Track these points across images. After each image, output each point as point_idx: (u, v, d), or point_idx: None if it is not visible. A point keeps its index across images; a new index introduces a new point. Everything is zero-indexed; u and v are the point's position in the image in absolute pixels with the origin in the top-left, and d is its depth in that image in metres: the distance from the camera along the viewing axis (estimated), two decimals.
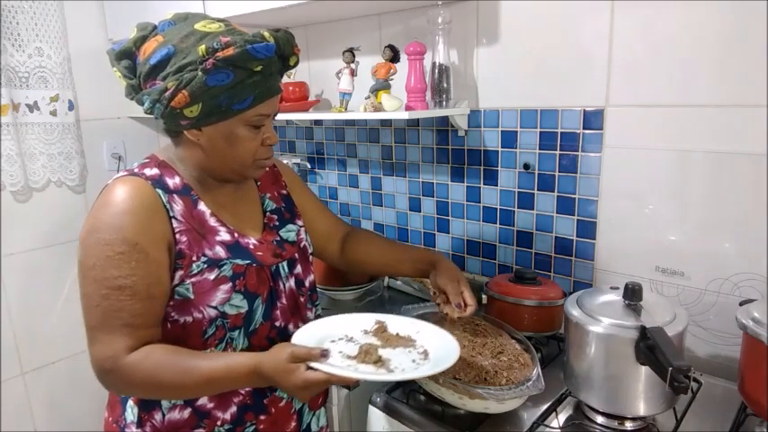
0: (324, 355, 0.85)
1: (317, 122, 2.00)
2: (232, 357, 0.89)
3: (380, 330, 1.01)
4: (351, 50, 1.51)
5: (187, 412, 0.97)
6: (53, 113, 1.92)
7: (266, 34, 0.89)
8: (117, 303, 0.87)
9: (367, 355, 0.90)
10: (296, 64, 0.98)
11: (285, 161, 1.97)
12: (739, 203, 1.15)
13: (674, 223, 1.24)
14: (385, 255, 1.23)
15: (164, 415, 0.98)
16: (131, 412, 1.00)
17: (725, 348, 1.21)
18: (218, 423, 0.98)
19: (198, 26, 0.90)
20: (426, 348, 0.96)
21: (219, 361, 0.88)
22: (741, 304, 1.03)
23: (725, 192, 1.16)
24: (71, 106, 1.96)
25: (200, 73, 0.85)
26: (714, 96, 1.14)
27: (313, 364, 0.83)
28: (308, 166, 2.05)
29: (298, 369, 0.83)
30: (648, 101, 1.23)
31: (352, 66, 1.52)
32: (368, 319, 1.04)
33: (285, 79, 1.77)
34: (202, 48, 0.85)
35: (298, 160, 2.03)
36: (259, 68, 0.88)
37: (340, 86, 1.53)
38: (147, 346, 0.89)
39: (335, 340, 0.98)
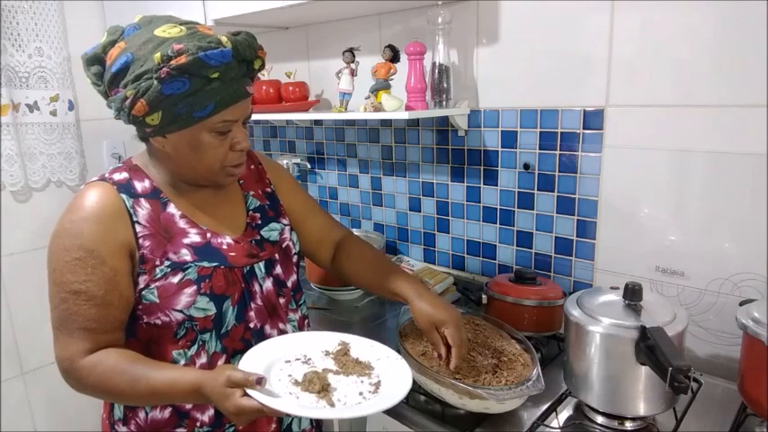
0: (259, 382, 0.81)
1: (317, 122, 2.00)
2: (178, 373, 0.88)
3: (341, 353, 0.97)
4: (351, 50, 1.51)
5: (168, 412, 0.98)
6: (53, 113, 1.92)
7: (223, 39, 0.86)
8: (73, 307, 0.89)
9: (311, 384, 0.87)
10: (261, 67, 0.95)
11: (285, 161, 1.99)
12: (739, 203, 1.15)
13: (674, 223, 1.24)
14: (368, 277, 1.15)
15: (146, 413, 0.99)
16: (118, 410, 1.01)
17: (725, 348, 1.21)
18: (198, 424, 0.99)
19: (157, 32, 0.87)
20: (381, 379, 0.91)
21: (165, 374, 0.88)
22: (741, 304, 1.03)
23: (725, 192, 1.16)
24: (71, 106, 1.96)
25: (155, 82, 0.83)
26: (714, 96, 1.14)
27: (249, 391, 0.81)
28: (308, 166, 2.05)
29: (233, 395, 0.81)
30: (648, 101, 1.23)
31: (352, 66, 1.52)
32: (332, 339, 1.01)
33: (285, 79, 1.79)
34: (158, 55, 0.83)
35: (298, 160, 2.03)
36: (216, 75, 0.85)
37: (340, 86, 1.53)
38: (103, 350, 0.90)
39: (291, 360, 0.95)
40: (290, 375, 0.90)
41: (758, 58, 1.08)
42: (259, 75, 1.81)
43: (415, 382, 1.12)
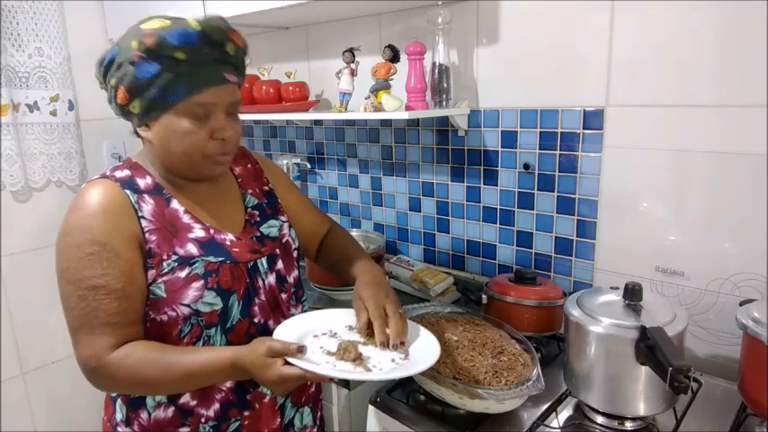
0: (300, 350, 0.84)
1: (317, 122, 2.00)
2: (212, 352, 0.90)
3: (366, 327, 1.00)
4: (351, 50, 1.51)
5: (171, 411, 0.98)
6: (53, 113, 1.92)
7: (190, 20, 0.88)
8: (93, 303, 0.88)
9: (346, 352, 0.90)
10: (236, 52, 0.93)
11: (285, 161, 1.99)
12: (739, 203, 1.15)
13: (674, 223, 1.24)
14: (337, 266, 1.18)
15: (149, 414, 0.98)
16: (120, 411, 1.01)
17: (725, 348, 1.21)
18: (203, 420, 0.99)
19: (144, 25, 0.90)
20: (409, 348, 0.95)
21: (199, 356, 0.89)
22: (741, 304, 1.03)
23: (725, 192, 1.16)
24: (71, 106, 1.96)
25: (130, 67, 0.87)
26: (714, 96, 1.14)
27: (289, 360, 0.84)
28: (308, 166, 2.05)
29: (274, 364, 0.83)
30: (648, 101, 1.23)
31: (352, 66, 1.52)
32: (354, 315, 1.04)
33: (285, 79, 1.79)
34: (134, 42, 0.87)
35: (298, 160, 2.03)
36: (182, 56, 0.86)
37: (340, 86, 1.53)
38: (129, 343, 0.90)
39: (318, 335, 0.98)
40: (321, 347, 0.93)
41: (758, 58, 1.08)
42: (259, 74, 1.81)
43: (415, 381, 1.13)
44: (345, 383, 1.23)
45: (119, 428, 1.01)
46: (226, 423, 1.00)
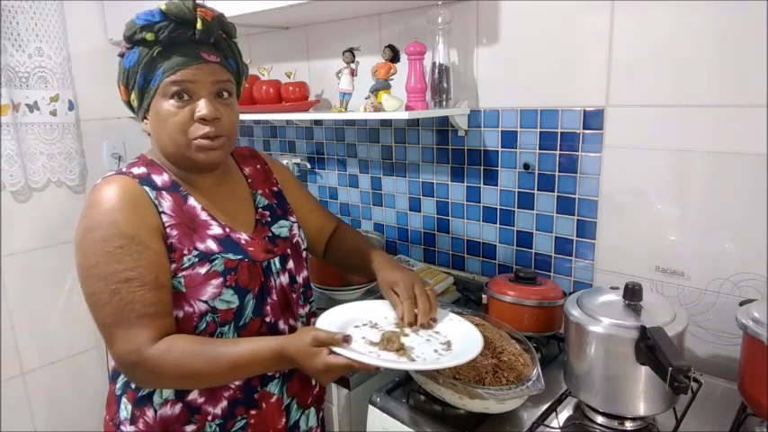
0: (346, 340, 0.85)
1: (317, 122, 2.00)
2: (256, 342, 0.90)
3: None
4: (351, 50, 1.51)
5: (178, 407, 0.98)
6: (53, 113, 1.92)
7: (159, 3, 0.91)
8: (128, 296, 0.87)
9: (389, 342, 0.90)
10: (206, 28, 0.92)
11: (285, 161, 1.99)
12: (739, 203, 1.15)
13: (674, 223, 1.24)
14: (350, 262, 1.22)
15: (155, 411, 0.98)
16: (125, 409, 1.01)
17: (725, 348, 1.21)
18: (209, 418, 0.98)
19: None
20: (449, 339, 0.96)
21: (244, 346, 0.89)
22: (741, 304, 1.03)
23: (725, 192, 1.16)
24: (71, 106, 1.96)
25: (120, 60, 0.94)
26: (714, 96, 1.14)
27: (335, 349, 0.85)
28: (308, 166, 2.05)
29: (320, 353, 0.85)
30: (648, 101, 1.23)
31: (352, 66, 1.52)
32: (390, 307, 1.05)
33: (285, 79, 1.79)
34: (121, 37, 0.94)
35: (298, 160, 2.03)
36: (151, 37, 0.90)
37: (340, 86, 1.53)
38: (168, 337, 0.89)
39: (359, 326, 0.99)
40: (363, 338, 0.94)
41: (758, 58, 1.08)
42: (259, 74, 1.81)
43: (415, 381, 1.13)
44: (346, 383, 1.24)
45: (122, 427, 1.01)
46: (232, 421, 1.00)
